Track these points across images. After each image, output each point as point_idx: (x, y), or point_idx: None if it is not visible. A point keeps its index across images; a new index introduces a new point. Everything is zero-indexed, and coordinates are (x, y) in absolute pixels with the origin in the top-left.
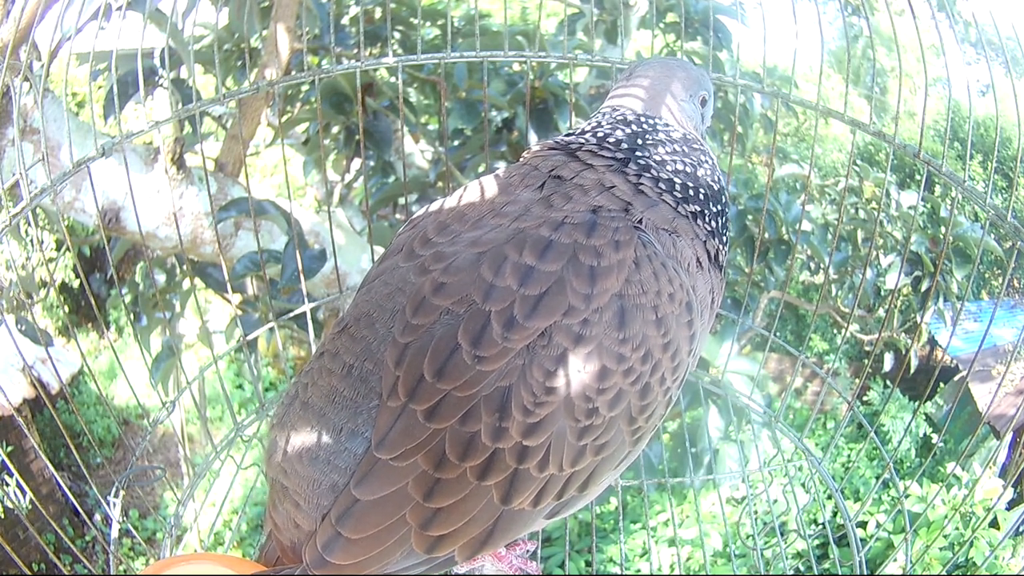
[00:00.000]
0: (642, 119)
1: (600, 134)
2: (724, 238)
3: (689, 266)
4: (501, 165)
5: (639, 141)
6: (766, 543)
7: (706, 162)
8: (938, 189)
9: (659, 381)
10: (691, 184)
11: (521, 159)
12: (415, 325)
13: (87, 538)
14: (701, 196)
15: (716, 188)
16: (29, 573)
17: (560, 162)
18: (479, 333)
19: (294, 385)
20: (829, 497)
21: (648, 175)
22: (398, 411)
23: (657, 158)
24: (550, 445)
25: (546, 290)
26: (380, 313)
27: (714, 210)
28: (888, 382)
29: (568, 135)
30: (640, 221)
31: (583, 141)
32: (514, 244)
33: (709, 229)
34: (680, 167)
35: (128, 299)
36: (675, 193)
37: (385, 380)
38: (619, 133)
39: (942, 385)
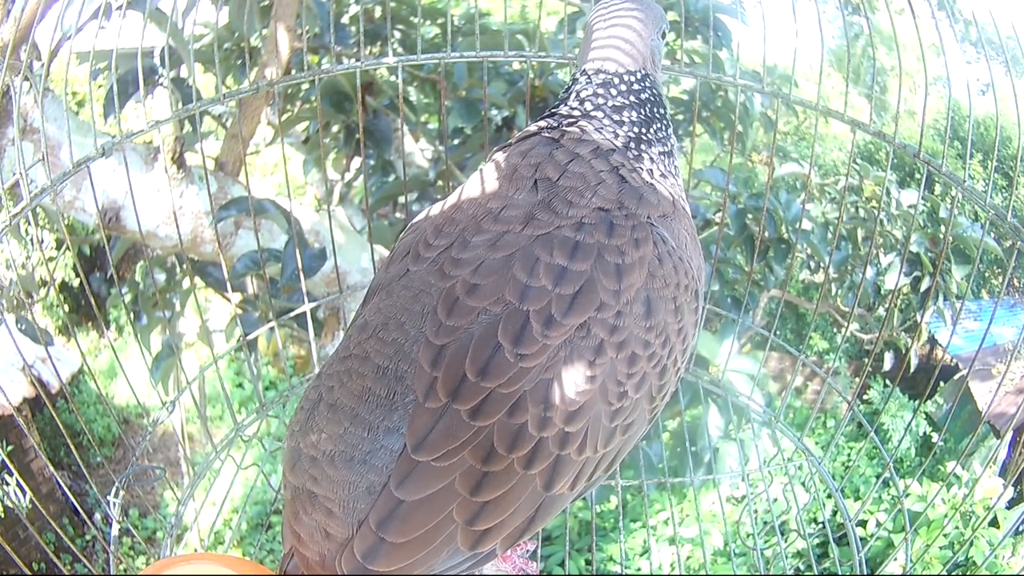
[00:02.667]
0: (624, 79)
1: (588, 107)
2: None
3: (686, 244)
4: None
5: (622, 111)
6: (766, 542)
7: (658, 114)
8: (938, 188)
9: (673, 362)
10: (658, 149)
11: (508, 145)
12: (451, 327)
13: (87, 537)
14: (652, 149)
15: (664, 134)
16: (29, 573)
17: (544, 156)
18: (520, 332)
19: (314, 390)
20: (829, 496)
21: (629, 154)
22: (439, 412)
23: (611, 124)
24: (588, 429)
25: (579, 288)
26: (408, 316)
27: (662, 155)
28: (888, 381)
29: (551, 112)
30: (648, 217)
31: (564, 117)
32: (543, 246)
33: (661, 173)
34: (627, 126)
35: (128, 298)
36: (631, 154)
37: (420, 381)
38: (604, 102)
39: (942, 384)
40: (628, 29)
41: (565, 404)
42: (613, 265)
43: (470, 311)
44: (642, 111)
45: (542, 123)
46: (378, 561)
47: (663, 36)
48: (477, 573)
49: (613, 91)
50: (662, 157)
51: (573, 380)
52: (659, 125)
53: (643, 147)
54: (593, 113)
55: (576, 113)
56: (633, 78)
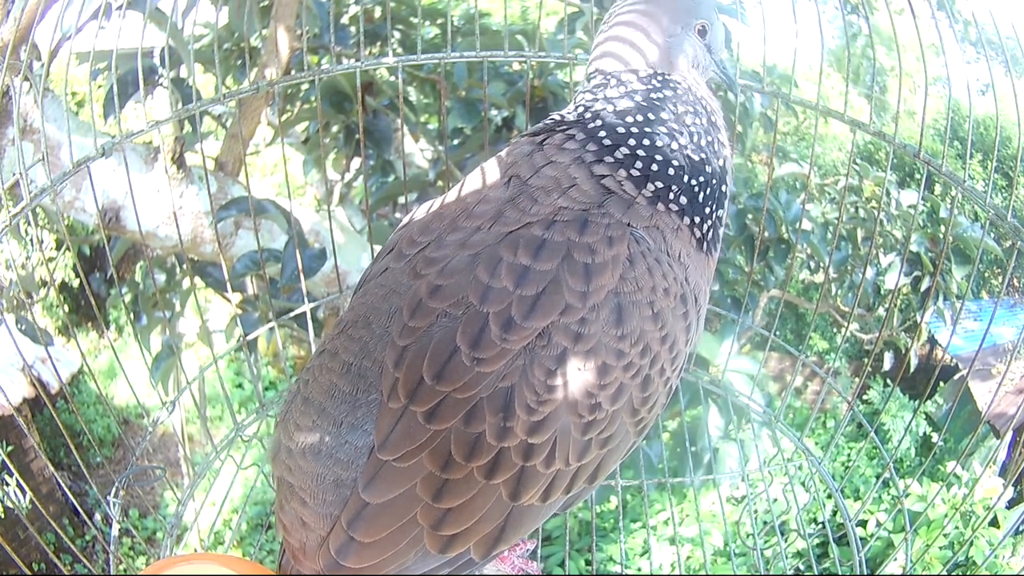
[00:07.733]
0: (611, 80)
1: (585, 114)
2: (708, 209)
3: (680, 256)
4: None
5: (593, 114)
6: (766, 542)
7: (668, 122)
8: (938, 188)
9: (659, 372)
10: (648, 155)
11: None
12: (413, 327)
13: (87, 538)
14: (670, 171)
15: (697, 159)
16: (29, 573)
17: (522, 156)
18: (477, 335)
19: (296, 383)
20: (829, 496)
21: (607, 161)
22: (399, 413)
23: (608, 134)
24: (555, 441)
25: (543, 289)
26: (376, 315)
27: (691, 183)
28: (888, 381)
29: (551, 117)
30: (628, 224)
31: (558, 123)
32: (508, 245)
33: (679, 207)
34: (634, 139)
35: (128, 298)
36: (633, 172)
37: (385, 381)
38: (594, 106)
39: (942, 384)
40: (630, 27)
41: (527, 414)
42: (582, 264)
43: (431, 312)
44: (643, 115)
45: (539, 126)
46: (349, 558)
47: (702, 32)
48: (477, 574)
49: (610, 92)
50: (672, 175)
51: (534, 390)
52: (668, 130)
53: (640, 164)
54: (588, 120)
55: (570, 119)
56: (634, 76)
